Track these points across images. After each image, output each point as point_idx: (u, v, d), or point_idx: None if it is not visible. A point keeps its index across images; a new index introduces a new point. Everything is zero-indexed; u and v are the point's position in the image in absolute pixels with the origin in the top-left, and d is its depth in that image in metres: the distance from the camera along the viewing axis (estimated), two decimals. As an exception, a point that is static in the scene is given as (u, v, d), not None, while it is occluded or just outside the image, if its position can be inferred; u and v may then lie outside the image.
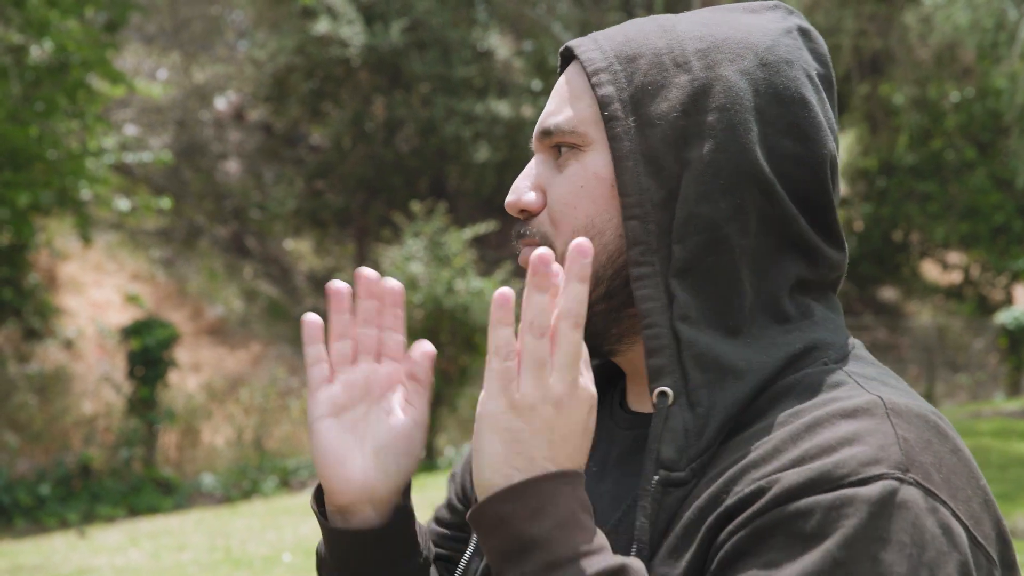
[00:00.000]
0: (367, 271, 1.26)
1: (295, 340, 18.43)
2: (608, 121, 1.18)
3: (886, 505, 1.00)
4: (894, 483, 1.01)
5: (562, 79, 1.25)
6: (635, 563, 1.04)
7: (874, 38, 21.54)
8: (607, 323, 1.20)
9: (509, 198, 1.25)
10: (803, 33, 1.23)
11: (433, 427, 14.71)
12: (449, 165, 22.64)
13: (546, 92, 25.14)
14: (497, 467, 1.06)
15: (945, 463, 1.05)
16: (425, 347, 1.26)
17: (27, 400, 13.96)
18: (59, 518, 11.99)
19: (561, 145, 1.23)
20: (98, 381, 14.60)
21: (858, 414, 1.06)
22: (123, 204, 14.74)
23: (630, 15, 25.97)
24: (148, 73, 22.70)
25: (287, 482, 13.97)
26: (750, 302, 1.16)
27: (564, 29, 22.58)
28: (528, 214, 1.24)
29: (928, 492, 1.02)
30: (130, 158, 15.44)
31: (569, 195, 1.21)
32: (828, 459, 1.02)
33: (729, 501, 1.05)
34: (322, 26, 21.05)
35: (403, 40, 21.47)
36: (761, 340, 1.15)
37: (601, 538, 1.05)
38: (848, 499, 1.00)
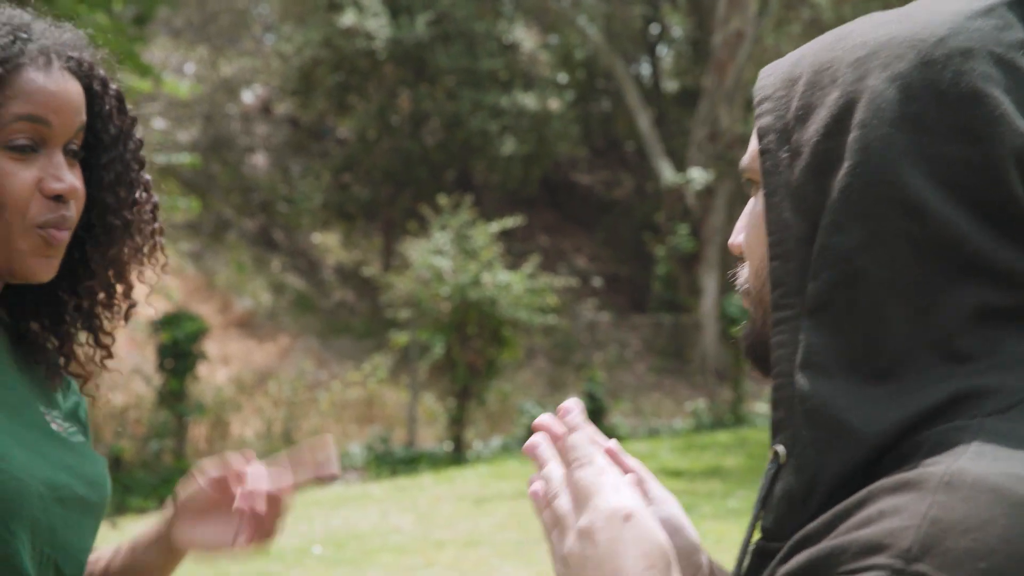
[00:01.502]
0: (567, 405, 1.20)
1: (323, 333, 18.52)
2: (762, 155, 1.10)
3: None
4: (884, 573, 0.90)
5: None
6: None
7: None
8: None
9: (730, 239, 1.21)
10: (1016, 5, 1.06)
11: (460, 420, 14.72)
12: (475, 158, 22.65)
13: (571, 85, 25.11)
14: None
15: (1004, 550, 0.89)
16: (613, 446, 1.23)
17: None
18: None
19: (750, 181, 1.17)
20: (129, 374, 14.68)
21: (906, 487, 0.94)
22: (150, 201, 14.80)
23: (655, 8, 25.90)
24: (175, 67, 22.79)
25: (316, 474, 14.02)
26: (905, 341, 1.01)
27: (589, 22, 22.54)
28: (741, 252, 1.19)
29: None
30: (160, 159, 15.51)
31: (748, 235, 1.16)
32: (837, 541, 0.94)
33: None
34: (348, 19, 21.10)
35: (428, 33, 21.49)
36: (912, 387, 1.00)
37: None
38: None
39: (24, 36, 1.60)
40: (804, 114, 1.07)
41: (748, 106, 24.17)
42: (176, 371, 13.53)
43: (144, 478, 12.98)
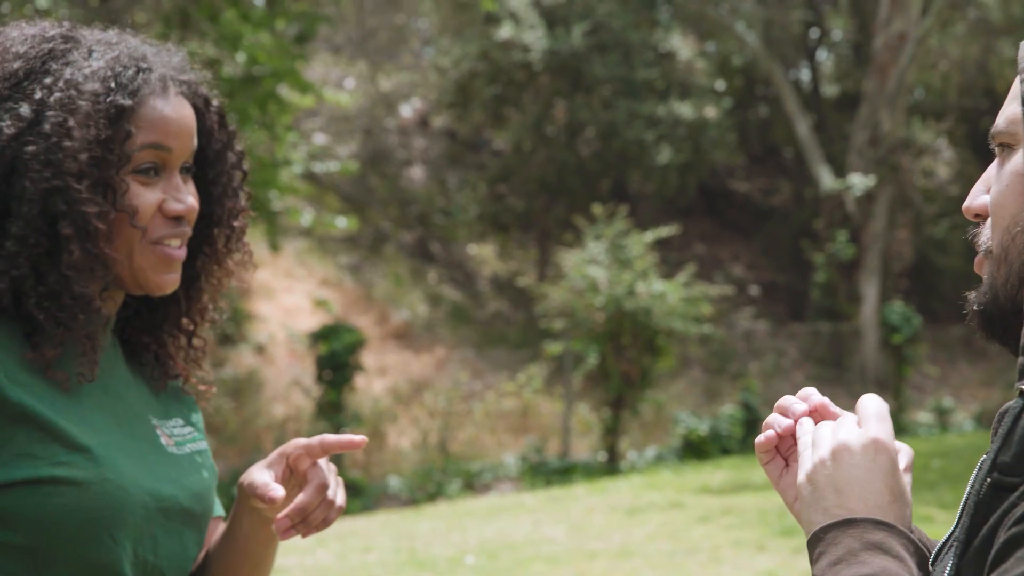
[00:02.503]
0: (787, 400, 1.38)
1: (479, 344, 18.66)
2: None
3: None
4: None
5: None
6: None
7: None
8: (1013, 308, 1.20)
9: (965, 203, 1.28)
10: None
11: (614, 430, 14.67)
12: (630, 167, 22.57)
13: (729, 92, 24.86)
14: (805, 526, 1.24)
15: None
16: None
17: (222, 404, 14.44)
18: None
19: (1002, 145, 1.23)
20: (288, 385, 15.02)
21: None
22: (306, 218, 15.09)
23: (816, 12, 25.47)
24: (336, 82, 23.25)
25: (471, 485, 14.12)
26: None
27: (747, 28, 22.28)
28: (979, 217, 1.25)
29: None
30: (318, 167, 15.82)
31: (998, 194, 1.21)
32: None
33: (1017, 509, 1.07)
34: (505, 31, 21.24)
35: (584, 43, 21.50)
36: None
37: (879, 568, 1.14)
38: None
39: (145, 67, 1.70)
40: None
41: (911, 110, 23.60)
42: (334, 382, 13.77)
43: (303, 487, 13.24)
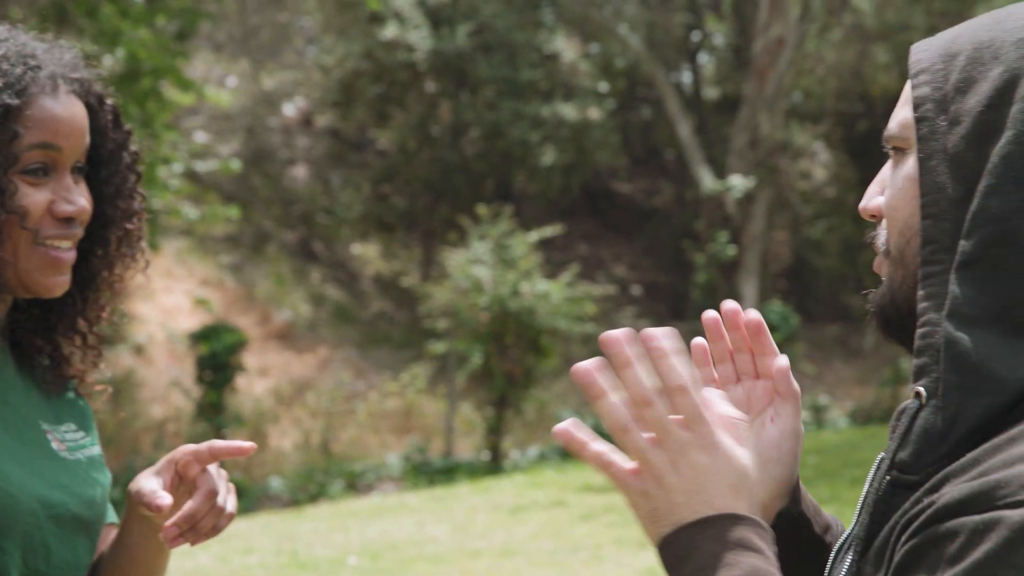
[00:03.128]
0: (730, 304, 1.36)
1: (362, 344, 18.57)
2: (918, 122, 1.19)
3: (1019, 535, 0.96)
4: None
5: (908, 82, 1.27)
6: None
7: (944, 35, 21.26)
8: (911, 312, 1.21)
9: (861, 203, 1.30)
10: None
11: (498, 430, 14.71)
12: (515, 168, 22.65)
13: (612, 94, 25.08)
14: (648, 528, 1.15)
15: None
16: (780, 363, 1.34)
17: (99, 405, 14.17)
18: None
19: (895, 148, 1.25)
20: (167, 386, 14.80)
21: None
22: (192, 213, 14.90)
23: (697, 16, 25.83)
24: (217, 80, 22.96)
25: (354, 485, 14.05)
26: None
27: (630, 31, 22.50)
28: (874, 217, 1.27)
29: None
30: (199, 166, 15.61)
31: (892, 198, 1.23)
32: (996, 476, 1.00)
33: (914, 511, 1.07)
34: (389, 31, 21.17)
35: (469, 44, 21.53)
36: None
37: (749, 570, 1.09)
38: (993, 522, 0.98)
39: (34, 64, 1.66)
40: (964, 86, 1.16)
41: (789, 113, 24.05)
42: (215, 383, 13.61)
43: (183, 489, 13.06)
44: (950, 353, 1.09)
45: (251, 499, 13.29)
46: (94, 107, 1.75)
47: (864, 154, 22.40)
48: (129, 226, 1.81)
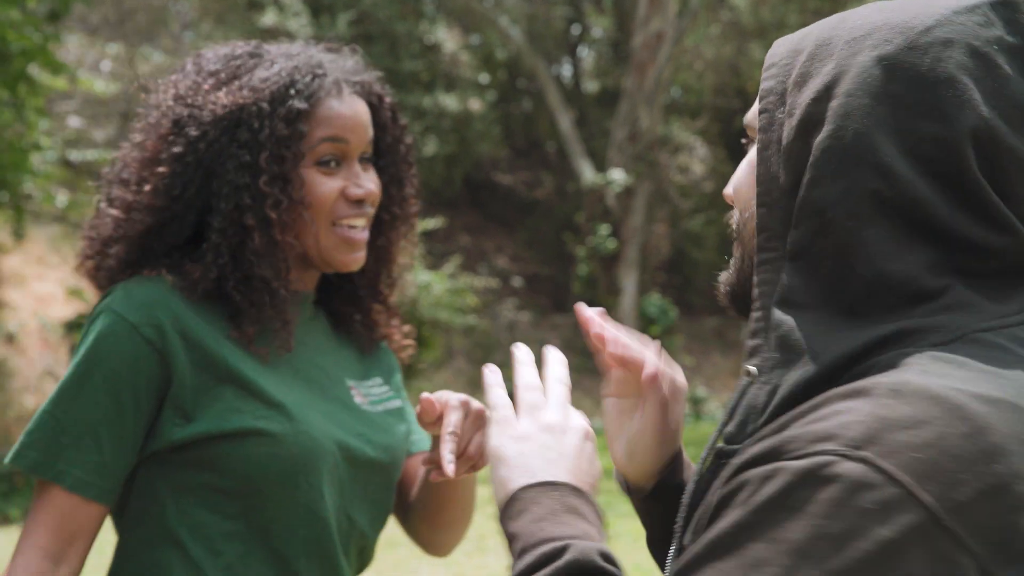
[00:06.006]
0: (585, 312, 1.45)
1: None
2: (760, 113, 1.26)
3: (808, 477, 1.02)
4: (830, 458, 1.02)
5: None
6: (595, 546, 1.19)
7: (819, 33, 21.70)
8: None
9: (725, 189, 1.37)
10: (1002, 5, 1.19)
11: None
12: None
13: (493, 86, 25.11)
14: (501, 486, 1.30)
15: (937, 445, 1.02)
16: (648, 372, 1.41)
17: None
18: (1, 514, 11.84)
19: (747, 137, 1.34)
20: (40, 376, 14.44)
21: (857, 394, 1.06)
22: (61, 199, 14.55)
23: (578, 9, 25.98)
24: (91, 64, 22.46)
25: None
26: (867, 285, 1.15)
27: (511, 23, 22.55)
28: (730, 202, 1.35)
29: (879, 469, 1.01)
30: (75, 156, 15.28)
31: (737, 181, 1.32)
32: (790, 432, 1.06)
33: (727, 474, 1.14)
34: (268, 18, 20.91)
35: (350, 33, 21.36)
36: (869, 322, 1.15)
37: (581, 531, 1.21)
38: (777, 471, 1.04)
39: (320, 72, 1.99)
40: (802, 81, 1.22)
41: (668, 108, 24.33)
42: (90, 373, 13.32)
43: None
44: (776, 334, 1.17)
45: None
46: (375, 105, 2.08)
47: (741, 149, 22.69)
48: (398, 210, 2.12)
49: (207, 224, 1.95)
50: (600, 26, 26.64)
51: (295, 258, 2.00)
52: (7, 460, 1.87)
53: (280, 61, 1.99)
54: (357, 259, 2.01)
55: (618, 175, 20.25)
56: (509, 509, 1.25)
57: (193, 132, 1.93)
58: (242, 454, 1.87)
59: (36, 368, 14.71)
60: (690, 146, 26.80)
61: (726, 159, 24.89)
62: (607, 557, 1.18)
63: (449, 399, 1.81)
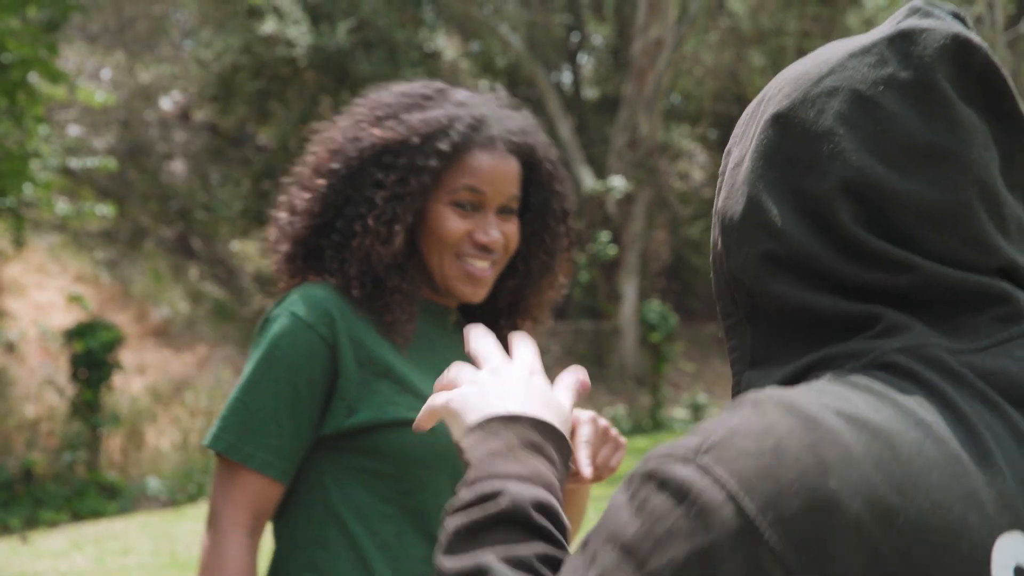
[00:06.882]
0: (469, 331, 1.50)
1: (241, 341, 18.33)
2: (724, 155, 1.26)
3: (649, 480, 1.03)
4: (668, 463, 1.02)
5: None
6: (533, 494, 1.18)
7: (818, 39, 21.71)
8: None
9: None
10: (899, 38, 1.16)
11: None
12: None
13: (493, 92, 25.13)
14: (461, 423, 1.29)
15: (775, 453, 0.99)
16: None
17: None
18: (1, 523, 11.84)
19: None
20: (41, 384, 14.43)
21: (731, 407, 1.06)
22: (63, 207, 14.57)
23: (577, 17, 26.02)
24: (91, 73, 22.48)
25: (234, 485, 13.85)
26: (801, 333, 1.14)
27: (511, 30, 22.57)
28: None
29: (711, 475, 0.99)
30: (74, 163, 15.28)
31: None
32: (660, 447, 1.07)
33: None
34: (268, 26, 20.92)
35: (350, 40, 21.38)
36: (783, 366, 1.15)
37: (533, 470, 1.21)
38: (633, 474, 1.05)
39: (480, 124, 2.19)
40: (731, 147, 1.24)
41: (667, 114, 24.35)
42: (90, 381, 13.31)
43: (56, 491, 12.75)
44: (734, 390, 1.20)
45: (128, 499, 13.05)
46: (533, 165, 2.26)
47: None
48: (545, 262, 2.30)
49: (350, 232, 2.18)
50: (600, 33, 26.67)
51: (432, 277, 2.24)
52: (205, 443, 2.09)
53: (448, 107, 2.21)
54: (477, 293, 2.21)
55: (618, 182, 20.26)
56: (468, 439, 1.25)
57: (352, 153, 2.20)
58: (398, 442, 2.08)
59: (36, 377, 14.71)
60: (690, 152, 26.82)
61: (726, 165, 24.91)
62: (541, 507, 1.17)
63: (579, 415, 1.89)
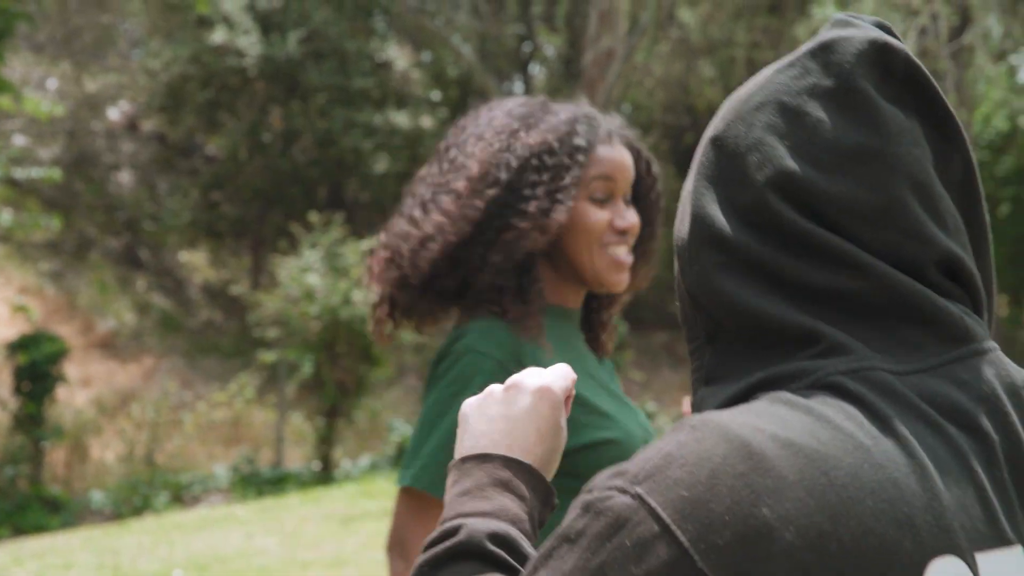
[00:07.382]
0: None
1: (188, 353, 18.22)
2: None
3: (588, 509, 1.03)
4: (608, 492, 1.02)
5: None
6: (491, 527, 1.21)
7: (767, 50, 21.86)
8: None
9: None
10: (820, 49, 1.19)
11: (329, 439, 14.56)
12: (348, 176, 22.50)
13: (444, 103, 25.12)
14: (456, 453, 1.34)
15: (708, 483, 0.99)
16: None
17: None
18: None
19: None
20: (-18, 397, 14.24)
21: (671, 431, 1.06)
22: (7, 218, 14.39)
23: (529, 27, 26.05)
24: (37, 83, 22.27)
25: (179, 497, 13.74)
26: (750, 347, 1.15)
27: (463, 41, 22.57)
28: None
29: (645, 505, 1.00)
30: (19, 174, 15.13)
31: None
32: (600, 474, 1.07)
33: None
34: (218, 36, 20.82)
35: (300, 50, 21.32)
36: (730, 383, 1.16)
37: (499, 506, 1.25)
38: (576, 503, 1.06)
39: (596, 124, 2.35)
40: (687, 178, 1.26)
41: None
42: (33, 394, 13.13)
43: (-2, 505, 12.58)
44: (695, 401, 1.21)
45: (71, 513, 12.88)
46: (635, 157, 2.42)
47: (690, 166, 22.88)
48: (651, 244, 2.46)
49: (506, 228, 2.27)
50: (551, 44, 26.72)
51: (573, 279, 2.35)
52: (407, 482, 2.17)
53: (563, 113, 2.35)
54: (624, 279, 2.34)
55: (569, 192, 20.30)
56: (449, 475, 1.31)
57: (512, 162, 2.28)
58: (597, 460, 2.14)
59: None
60: (641, 163, 26.91)
61: (676, 175, 25.00)
62: (498, 538, 1.20)
63: None
